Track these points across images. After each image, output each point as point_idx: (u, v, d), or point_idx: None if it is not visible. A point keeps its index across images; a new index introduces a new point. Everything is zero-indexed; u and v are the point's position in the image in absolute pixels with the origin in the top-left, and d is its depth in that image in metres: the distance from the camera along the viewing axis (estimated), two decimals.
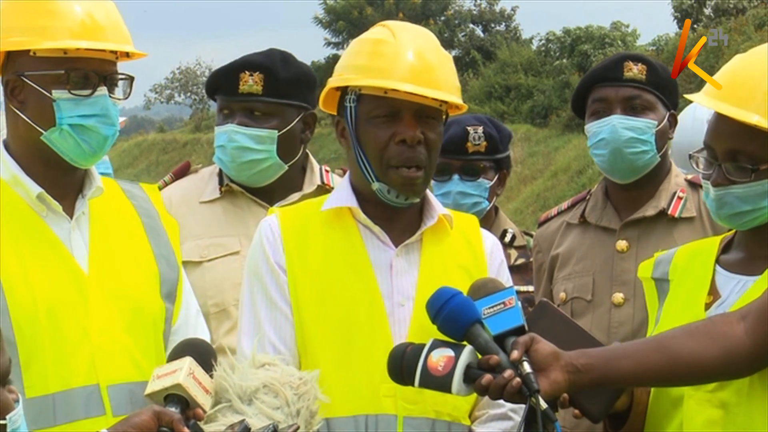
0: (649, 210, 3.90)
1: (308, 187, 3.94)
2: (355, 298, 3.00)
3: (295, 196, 3.88)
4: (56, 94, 2.91)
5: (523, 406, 2.62)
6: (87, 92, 2.93)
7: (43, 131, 2.93)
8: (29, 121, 2.94)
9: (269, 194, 3.90)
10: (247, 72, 3.87)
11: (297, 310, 3.01)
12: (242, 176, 3.88)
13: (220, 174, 3.97)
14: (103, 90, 2.94)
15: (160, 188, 4.06)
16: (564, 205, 4.18)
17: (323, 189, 3.91)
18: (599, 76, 3.96)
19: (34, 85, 2.92)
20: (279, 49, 4.01)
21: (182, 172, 4.11)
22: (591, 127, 3.94)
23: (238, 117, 3.85)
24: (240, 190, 3.91)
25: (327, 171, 4.01)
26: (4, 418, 2.19)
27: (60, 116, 2.92)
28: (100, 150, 2.98)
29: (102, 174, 4.47)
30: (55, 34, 2.90)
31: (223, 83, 3.91)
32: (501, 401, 2.71)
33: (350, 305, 2.99)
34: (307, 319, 3.00)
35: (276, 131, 3.85)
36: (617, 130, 3.85)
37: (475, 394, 2.79)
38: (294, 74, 3.91)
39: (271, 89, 3.87)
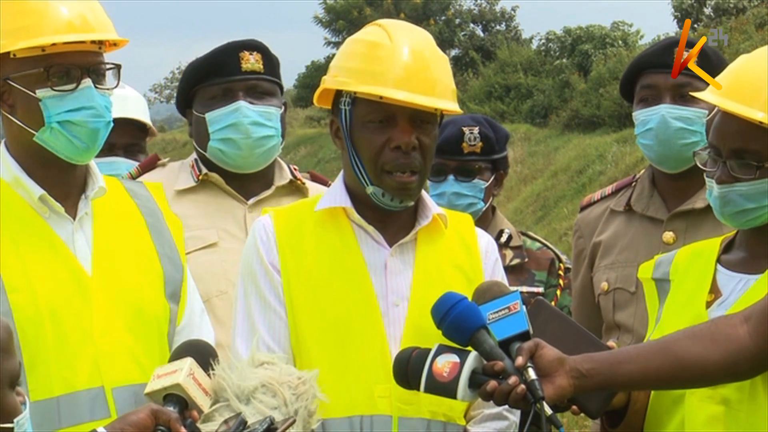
0: (699, 202, 3.74)
1: (280, 180, 3.91)
2: (349, 299, 3.00)
3: (270, 190, 3.86)
4: (40, 93, 2.88)
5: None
6: (71, 86, 2.89)
7: (34, 132, 2.91)
8: (21, 124, 2.92)
9: (245, 186, 3.86)
10: (246, 51, 3.84)
11: (291, 311, 3.01)
12: (252, 155, 3.81)
13: (196, 165, 3.91)
14: (87, 82, 2.91)
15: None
16: (607, 189, 4.07)
17: (295, 184, 3.91)
18: (648, 61, 3.81)
19: (19, 87, 2.89)
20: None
21: (150, 165, 4.04)
22: (639, 115, 3.82)
23: (241, 96, 3.80)
24: (219, 180, 3.85)
25: (295, 168, 4.00)
26: (12, 422, 2.19)
27: (48, 114, 2.89)
28: (93, 144, 2.94)
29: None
30: (30, 33, 2.87)
31: (223, 63, 3.84)
32: None
33: (344, 306, 2.99)
34: (302, 319, 3.00)
35: (279, 109, 3.84)
36: (666, 120, 3.74)
37: None
38: (276, 57, 3.92)
39: (269, 68, 3.87)
